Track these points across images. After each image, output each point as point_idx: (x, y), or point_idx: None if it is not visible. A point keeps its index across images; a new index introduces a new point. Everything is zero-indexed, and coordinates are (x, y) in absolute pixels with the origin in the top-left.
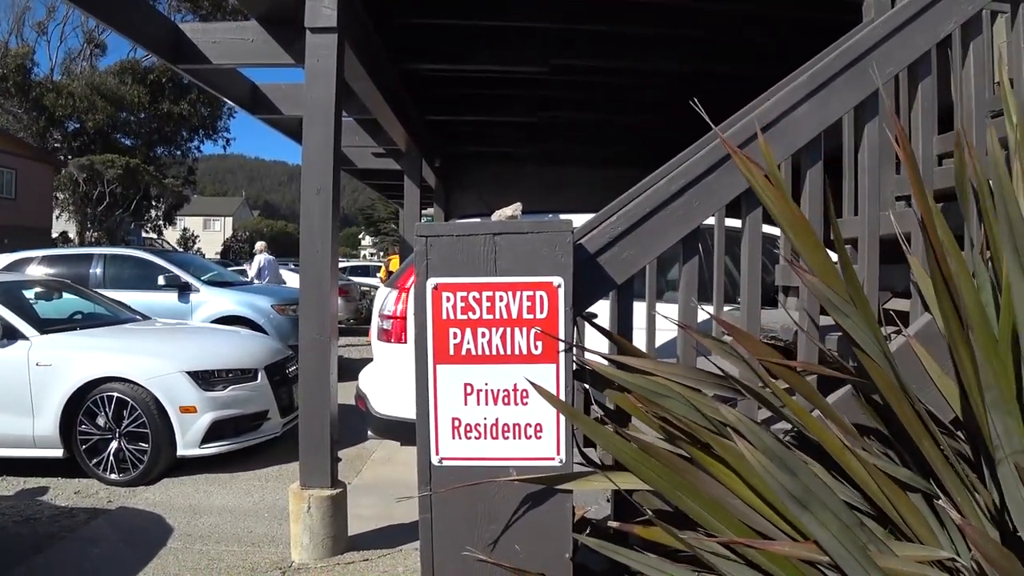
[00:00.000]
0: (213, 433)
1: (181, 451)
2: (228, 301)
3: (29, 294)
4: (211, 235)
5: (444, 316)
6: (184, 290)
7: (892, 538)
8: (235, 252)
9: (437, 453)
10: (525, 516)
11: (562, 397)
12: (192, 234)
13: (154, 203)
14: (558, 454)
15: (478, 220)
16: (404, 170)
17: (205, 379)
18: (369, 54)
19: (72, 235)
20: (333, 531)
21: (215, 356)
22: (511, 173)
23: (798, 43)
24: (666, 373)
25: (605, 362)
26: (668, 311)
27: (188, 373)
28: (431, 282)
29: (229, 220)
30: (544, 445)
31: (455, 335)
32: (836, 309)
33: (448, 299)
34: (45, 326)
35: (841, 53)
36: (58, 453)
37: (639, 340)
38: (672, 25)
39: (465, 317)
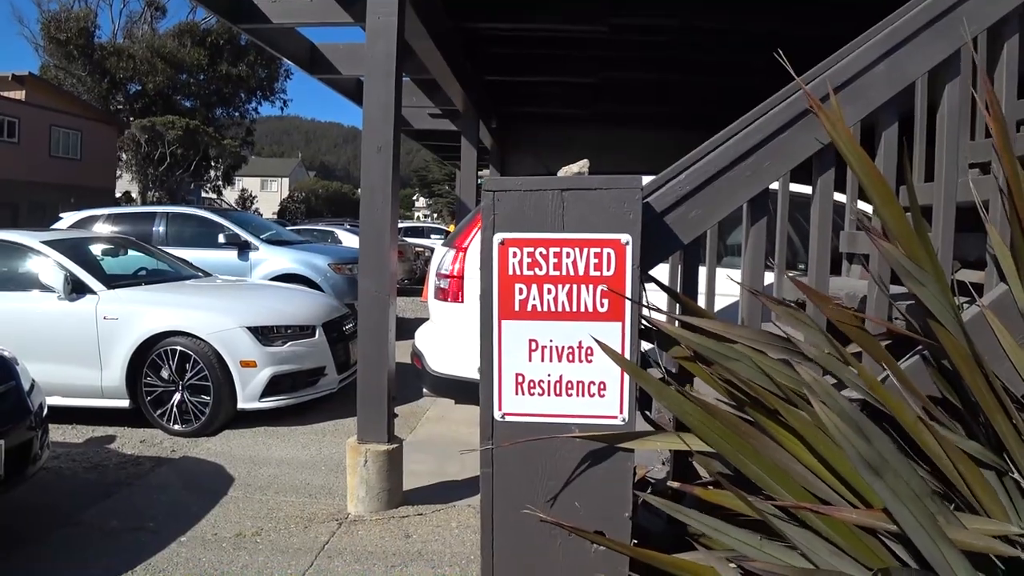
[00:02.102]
0: (272, 387)
1: (241, 404)
2: (286, 259)
3: (96, 250)
4: (268, 195)
5: (510, 271)
6: (244, 248)
7: (961, 512)
8: (291, 212)
9: (500, 408)
10: (586, 474)
11: (627, 356)
12: (250, 194)
13: (213, 164)
14: (621, 413)
15: (547, 176)
16: (461, 131)
17: (265, 335)
18: (430, 12)
19: (135, 195)
20: (388, 485)
21: (274, 312)
22: (567, 135)
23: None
24: (733, 335)
25: (671, 323)
26: (727, 275)
27: (248, 328)
28: (498, 237)
29: (286, 181)
30: (607, 403)
31: (521, 291)
32: (910, 276)
33: (515, 254)
34: (112, 281)
35: (924, 8)
36: (124, 404)
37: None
38: None
39: (531, 273)
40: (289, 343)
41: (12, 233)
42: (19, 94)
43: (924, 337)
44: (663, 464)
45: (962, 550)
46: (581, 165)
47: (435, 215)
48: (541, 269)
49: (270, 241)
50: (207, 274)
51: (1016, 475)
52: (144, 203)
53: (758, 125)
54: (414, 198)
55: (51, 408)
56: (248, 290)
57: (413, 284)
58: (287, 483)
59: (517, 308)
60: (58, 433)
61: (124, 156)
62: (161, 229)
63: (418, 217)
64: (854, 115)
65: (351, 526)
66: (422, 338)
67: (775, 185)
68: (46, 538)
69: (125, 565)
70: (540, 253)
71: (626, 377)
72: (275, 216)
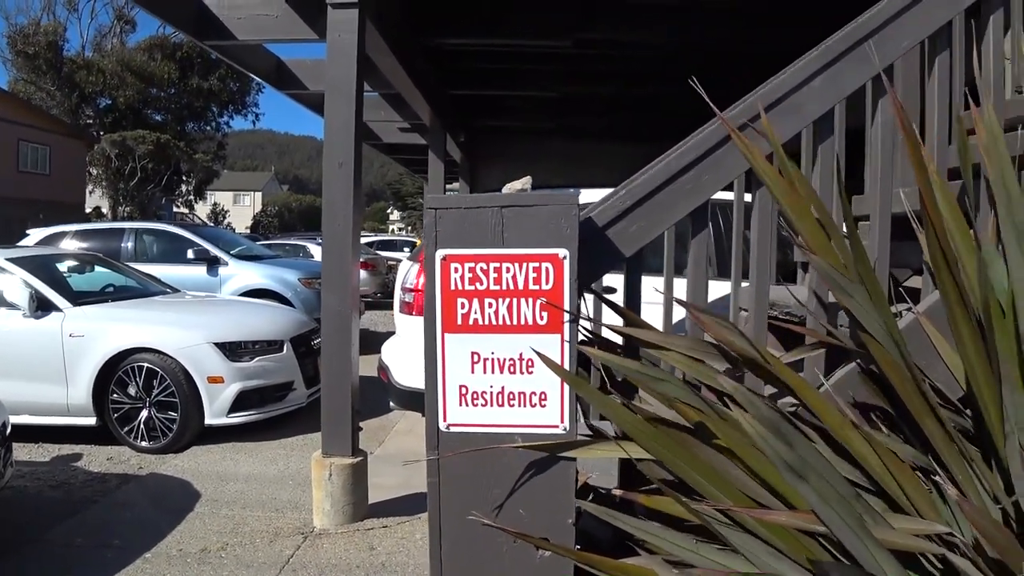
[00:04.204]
0: (240, 403)
1: (209, 420)
2: (256, 274)
3: (62, 267)
4: (241, 209)
5: (452, 286)
6: (213, 264)
7: (892, 513)
8: (264, 227)
9: (445, 420)
10: (529, 482)
11: (566, 366)
12: (222, 209)
13: (184, 178)
14: (562, 422)
15: (488, 193)
16: (429, 144)
17: (232, 350)
18: (391, 29)
19: (105, 210)
20: (353, 498)
21: (242, 328)
22: (537, 148)
23: (834, 11)
24: (672, 345)
25: (614, 334)
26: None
27: (215, 344)
28: (440, 253)
29: (259, 195)
30: (548, 413)
31: (463, 305)
32: (838, 286)
33: (456, 270)
34: (78, 298)
35: (851, 31)
36: (91, 421)
37: (656, 314)
38: None
39: (473, 287)
40: (257, 358)
41: None
42: None
43: (851, 346)
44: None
45: (891, 549)
46: (524, 182)
47: (409, 228)
48: (482, 284)
49: (240, 256)
50: (175, 290)
51: (940, 477)
52: (115, 218)
53: (694, 143)
54: (388, 211)
55: (17, 426)
56: (215, 306)
57: (385, 297)
58: (254, 498)
59: (459, 322)
60: (24, 452)
61: (94, 171)
62: (130, 245)
63: (392, 230)
64: (793, 127)
65: (316, 539)
66: (388, 352)
67: (731, 196)
68: (10, 556)
69: None
70: (481, 268)
71: (566, 387)
72: (248, 230)
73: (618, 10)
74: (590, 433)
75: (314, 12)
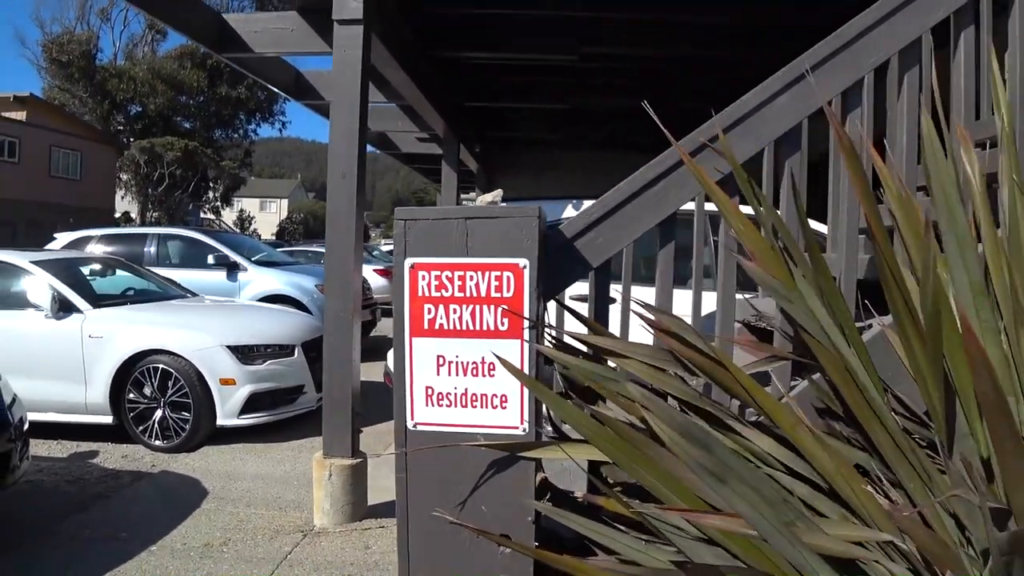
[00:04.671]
0: (251, 405)
1: (220, 421)
2: (274, 280)
3: (85, 270)
4: (267, 216)
5: (419, 293)
6: (232, 269)
7: (849, 518)
8: (289, 233)
9: (412, 418)
10: (491, 481)
11: (525, 370)
12: (248, 215)
13: (212, 184)
14: (521, 423)
15: (464, 205)
16: (442, 155)
17: (244, 353)
18: (399, 44)
19: (134, 215)
20: (352, 498)
21: (255, 332)
22: (549, 158)
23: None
24: (631, 353)
25: (574, 341)
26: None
27: (228, 347)
28: (408, 261)
29: (285, 202)
30: (509, 415)
31: (429, 310)
32: (778, 294)
33: (423, 277)
34: (98, 300)
35: (817, 48)
36: (107, 420)
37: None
38: (700, 12)
39: (439, 294)
40: (268, 361)
41: (2, 252)
42: (20, 115)
43: (801, 355)
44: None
45: (829, 555)
46: (495, 195)
47: None
48: (447, 291)
49: (260, 262)
50: (194, 294)
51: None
52: (143, 223)
53: (659, 159)
54: None
55: (37, 423)
56: (230, 310)
57: None
58: (259, 496)
59: (426, 326)
60: (43, 448)
61: (124, 177)
62: (152, 250)
63: None
64: (754, 145)
65: (315, 538)
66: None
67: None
68: (21, 547)
69: (93, 572)
70: (446, 276)
71: (526, 391)
72: (273, 237)
73: (622, 26)
74: (557, 435)
75: (328, 26)
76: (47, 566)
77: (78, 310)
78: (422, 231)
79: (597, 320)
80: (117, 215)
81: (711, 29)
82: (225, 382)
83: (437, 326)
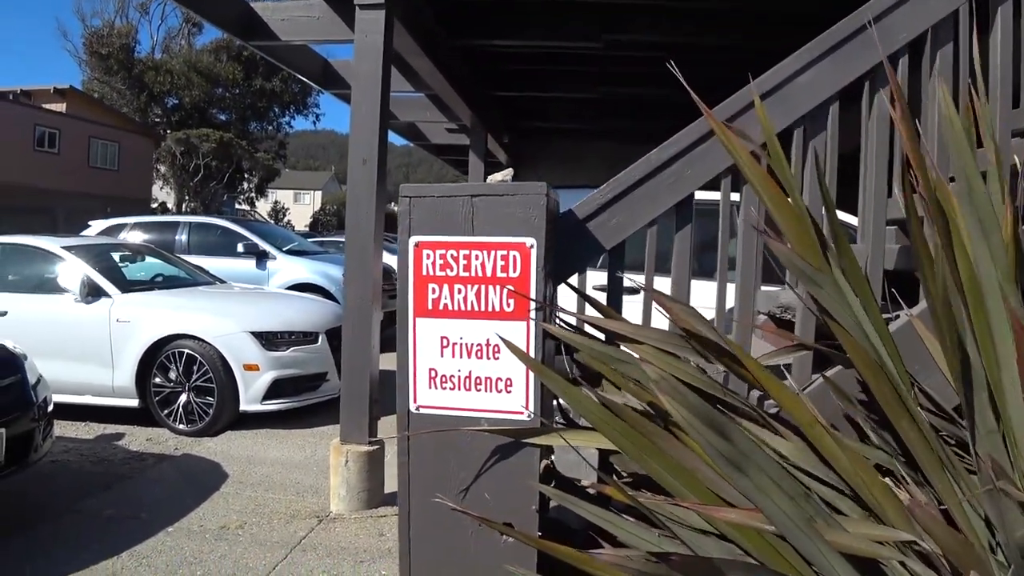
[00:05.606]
0: (274, 391)
1: (243, 406)
2: (303, 269)
3: (116, 257)
4: (301, 208)
5: (424, 272)
6: (262, 258)
7: (869, 518)
8: (323, 224)
9: (415, 401)
10: (495, 467)
11: (531, 353)
12: (283, 206)
13: (246, 176)
14: (527, 408)
15: (469, 183)
16: (469, 144)
17: (268, 340)
18: (421, 30)
19: (170, 205)
20: (369, 485)
21: (279, 319)
22: (579, 148)
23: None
24: (644, 338)
25: (587, 326)
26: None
27: (252, 333)
28: (412, 240)
29: (319, 194)
30: (514, 399)
31: (433, 290)
32: (806, 278)
33: (428, 256)
34: (127, 286)
35: (853, 16)
36: (134, 403)
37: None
38: None
39: (443, 274)
40: (292, 348)
41: (35, 238)
42: (60, 106)
43: (825, 345)
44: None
45: (850, 554)
46: (505, 174)
47: None
48: (452, 270)
49: (290, 251)
50: (222, 281)
51: (909, 480)
52: (179, 213)
53: (676, 138)
54: None
55: (67, 405)
56: (255, 297)
57: None
58: (278, 482)
59: (430, 307)
60: (71, 429)
61: (161, 168)
62: (183, 238)
63: None
64: (782, 120)
65: (330, 523)
66: None
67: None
68: (44, 524)
69: (113, 550)
70: (451, 255)
71: (531, 375)
72: (307, 228)
73: (647, 12)
74: (564, 423)
75: (352, 13)
76: (69, 543)
77: (107, 295)
78: (427, 209)
79: (611, 306)
80: (154, 205)
81: (740, 16)
82: (249, 368)
83: (441, 306)
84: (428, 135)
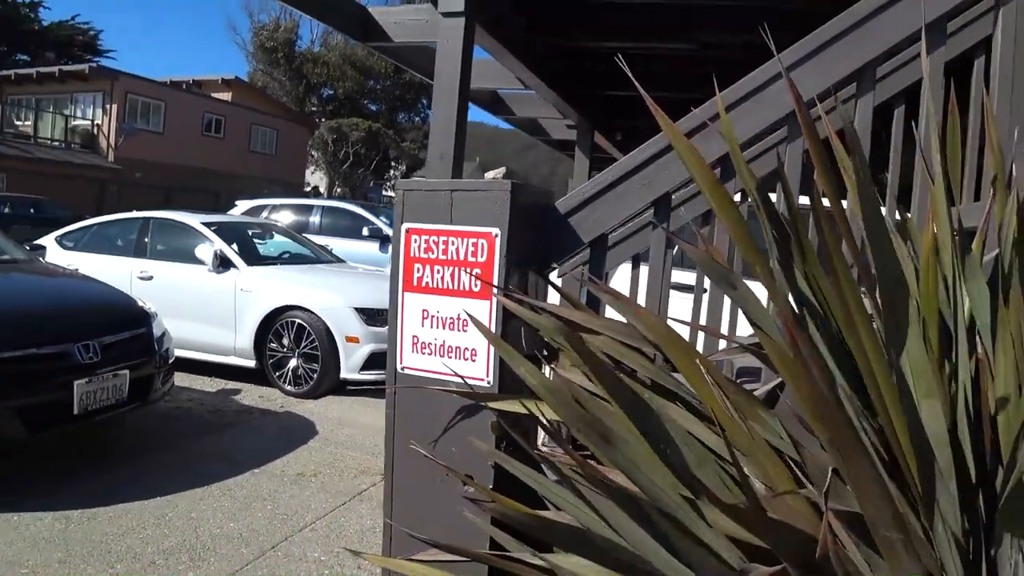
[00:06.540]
0: (371, 362)
1: (343, 374)
2: None
3: (248, 233)
4: None
5: (411, 254)
6: (385, 241)
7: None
8: None
9: (401, 362)
10: (459, 425)
11: (492, 329)
12: None
13: (393, 164)
14: (487, 376)
15: (451, 179)
16: (576, 141)
17: (370, 315)
18: (507, 33)
19: (322, 189)
20: None
21: (382, 296)
22: None
23: None
24: (596, 325)
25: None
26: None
27: (356, 309)
28: (404, 226)
29: None
30: (478, 367)
31: (418, 269)
32: (718, 277)
33: (415, 240)
34: (253, 260)
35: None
36: (251, 363)
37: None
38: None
39: (426, 256)
40: None
41: (181, 214)
42: (226, 95)
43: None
44: None
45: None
46: (497, 172)
47: None
48: (433, 253)
49: None
50: (341, 261)
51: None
52: (330, 197)
53: (652, 141)
54: None
55: (197, 361)
56: (364, 276)
57: None
58: (359, 442)
59: (415, 284)
60: (198, 382)
61: (314, 153)
62: (317, 220)
63: None
64: (755, 126)
65: None
66: None
67: None
68: (154, 454)
69: (204, 481)
70: (433, 240)
71: (491, 347)
72: None
73: (742, 11)
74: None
75: None
76: (173, 471)
77: (234, 266)
78: (417, 200)
79: (589, 301)
80: (307, 188)
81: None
82: (351, 339)
83: (424, 283)
84: (549, 131)
